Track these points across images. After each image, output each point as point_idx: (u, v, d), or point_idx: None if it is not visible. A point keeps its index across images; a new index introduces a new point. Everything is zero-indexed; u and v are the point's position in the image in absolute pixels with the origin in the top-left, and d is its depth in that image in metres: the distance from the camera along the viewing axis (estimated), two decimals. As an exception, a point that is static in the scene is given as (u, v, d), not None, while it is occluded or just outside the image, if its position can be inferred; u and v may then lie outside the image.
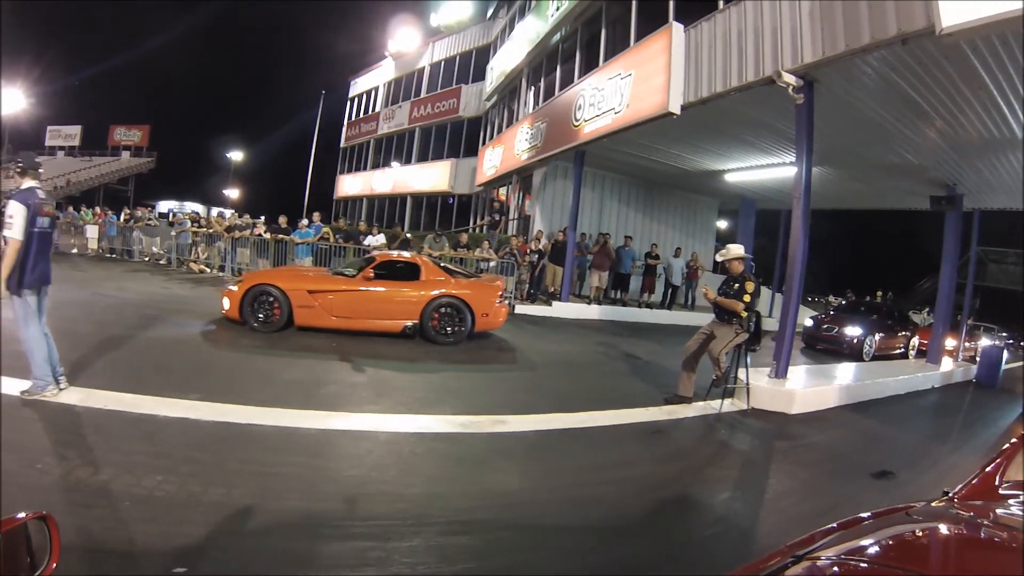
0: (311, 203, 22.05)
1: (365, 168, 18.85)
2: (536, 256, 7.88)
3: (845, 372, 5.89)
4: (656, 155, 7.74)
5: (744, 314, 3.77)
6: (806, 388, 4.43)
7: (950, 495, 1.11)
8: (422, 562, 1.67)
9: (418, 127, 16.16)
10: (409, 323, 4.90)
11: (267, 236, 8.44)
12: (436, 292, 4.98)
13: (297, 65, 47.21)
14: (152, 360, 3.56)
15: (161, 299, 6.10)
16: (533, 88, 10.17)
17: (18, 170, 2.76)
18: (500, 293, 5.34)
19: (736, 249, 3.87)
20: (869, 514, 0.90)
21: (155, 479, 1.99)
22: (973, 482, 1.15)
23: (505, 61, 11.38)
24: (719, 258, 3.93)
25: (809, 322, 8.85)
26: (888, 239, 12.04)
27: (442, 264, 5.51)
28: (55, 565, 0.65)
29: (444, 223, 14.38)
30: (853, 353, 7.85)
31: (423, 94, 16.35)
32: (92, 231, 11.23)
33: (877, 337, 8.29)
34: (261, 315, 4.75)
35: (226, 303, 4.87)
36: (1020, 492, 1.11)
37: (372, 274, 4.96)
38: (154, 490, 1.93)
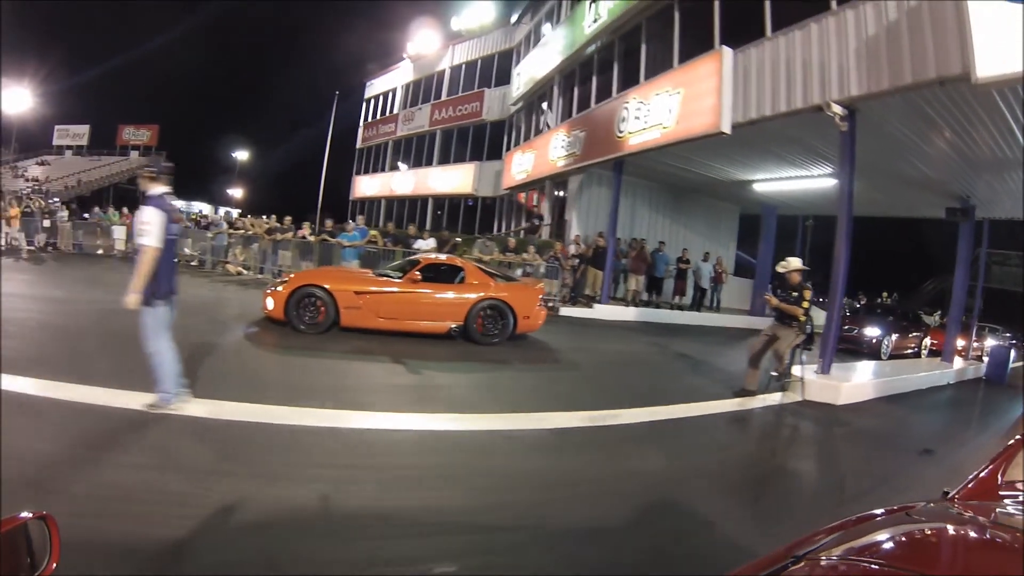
0: (325, 203, 22.44)
1: (383, 169, 19.32)
2: (577, 260, 8.51)
3: (875, 369, 6.62)
4: (692, 165, 8.42)
5: (803, 318, 4.44)
6: (848, 383, 5.12)
7: (950, 495, 1.12)
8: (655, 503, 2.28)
9: (439, 129, 16.69)
10: (454, 324, 5.09)
11: (312, 239, 8.93)
12: (480, 295, 5.18)
13: (305, 66, 47.36)
14: (248, 367, 3.73)
15: (214, 302, 6.56)
16: (565, 96, 10.80)
17: (150, 175, 2.70)
18: (541, 296, 5.59)
19: (795, 262, 4.53)
20: (869, 514, 0.93)
21: (368, 490, 2.08)
22: (973, 482, 1.16)
23: (534, 68, 11.98)
24: (780, 269, 4.59)
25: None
26: (892, 243, 12.82)
27: (483, 267, 5.77)
28: (55, 565, 0.67)
29: (467, 225, 14.95)
30: (872, 352, 8.59)
31: (444, 97, 16.89)
32: (119, 232, 11.50)
33: (893, 337, 9.05)
34: (307, 316, 4.80)
35: (270, 303, 4.90)
36: (1020, 492, 1.13)
37: (419, 276, 5.10)
38: (389, 503, 1.99)
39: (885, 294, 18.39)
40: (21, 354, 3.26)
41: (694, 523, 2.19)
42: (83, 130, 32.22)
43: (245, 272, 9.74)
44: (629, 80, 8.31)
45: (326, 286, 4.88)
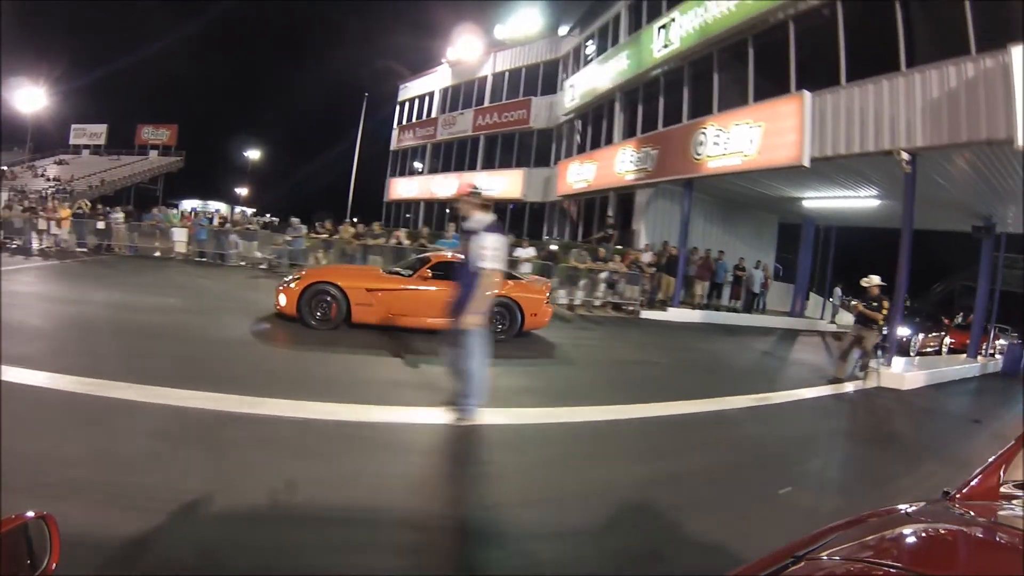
0: (355, 204, 23.47)
1: (422, 172, 20.45)
2: (654, 268, 9.94)
3: (921, 363, 8.22)
4: (756, 185, 9.91)
5: (881, 322, 5.95)
6: (908, 373, 6.66)
7: (950, 495, 1.17)
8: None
9: (483, 135, 17.95)
10: None
11: (407, 243, 10.10)
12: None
13: (327, 68, 47.87)
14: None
15: None
16: (626, 112, 12.20)
17: (478, 203, 3.01)
18: (547, 294, 6.02)
19: (876, 279, 6.03)
20: (869, 514, 0.97)
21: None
22: (973, 482, 1.21)
23: (591, 82, 13.34)
24: (864, 284, 6.09)
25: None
26: (880, 244, 14.40)
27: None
28: (55, 565, 0.69)
29: (515, 229, 16.25)
30: (901, 350, 10.24)
31: (486, 103, 18.13)
32: (180, 234, 11.81)
33: (920, 337, 10.75)
34: (319, 313, 5.09)
35: (282, 300, 5.15)
36: (1020, 492, 1.18)
37: (429, 274, 5.36)
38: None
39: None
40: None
41: (867, 455, 3.64)
42: (100, 129, 33.86)
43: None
44: (700, 105, 9.75)
45: (339, 283, 5.15)
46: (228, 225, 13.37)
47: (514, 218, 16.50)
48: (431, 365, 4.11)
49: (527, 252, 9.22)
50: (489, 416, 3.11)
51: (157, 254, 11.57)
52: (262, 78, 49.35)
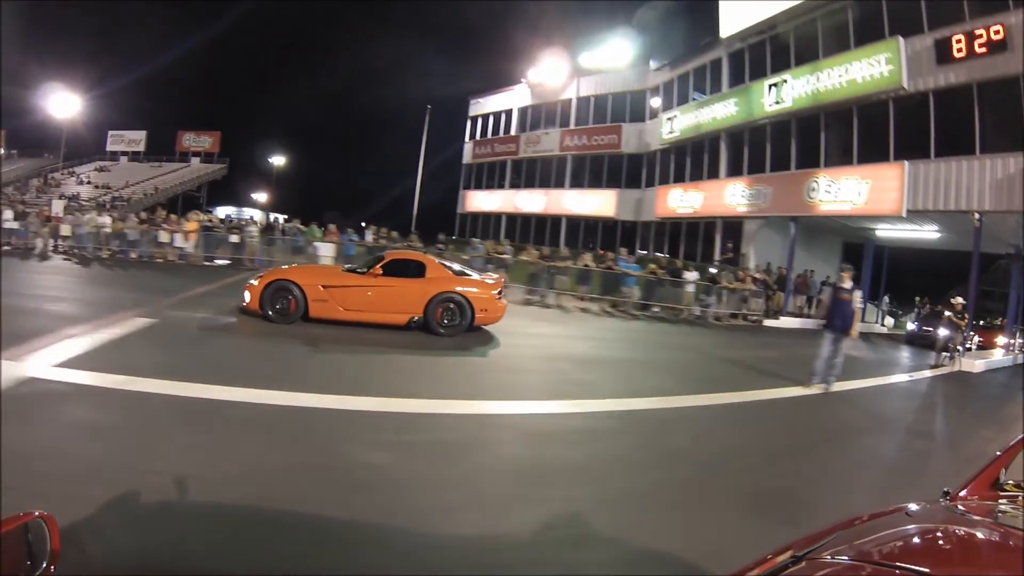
0: (419, 216, 26.36)
1: (502, 186, 23.59)
2: (763, 285, 13.56)
3: (977, 357, 12.09)
4: (848, 220, 13.62)
5: (963, 327, 9.71)
6: (975, 361, 10.44)
7: (950, 494, 1.26)
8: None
9: (570, 155, 21.28)
10: (414, 316, 6.19)
11: (593, 266, 13.03)
12: (439, 289, 6.26)
13: (392, 80, 49.67)
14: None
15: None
16: (731, 151, 15.76)
17: (850, 273, 6.28)
18: (498, 290, 6.74)
19: (960, 299, 9.76)
20: (869, 514, 1.06)
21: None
22: (973, 482, 1.31)
23: (694, 120, 16.81)
24: (953, 302, 9.82)
25: (911, 326, 15.12)
26: (921, 262, 18.18)
27: (448, 263, 7.15)
28: (55, 565, 0.75)
29: (607, 245, 19.63)
30: (939, 349, 14.11)
31: (572, 125, 21.42)
32: (326, 249, 12.98)
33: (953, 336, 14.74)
34: (278, 306, 5.92)
35: (247, 296, 6.09)
36: (1020, 492, 1.28)
37: (380, 271, 6.23)
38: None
39: (917, 298, 24.70)
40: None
41: (985, 406, 7.31)
42: (139, 136, 35.59)
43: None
44: (807, 156, 13.41)
45: (296, 281, 6.03)
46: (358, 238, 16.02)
47: (607, 234, 19.90)
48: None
49: (692, 275, 12.54)
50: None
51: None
52: (311, 84, 51.31)
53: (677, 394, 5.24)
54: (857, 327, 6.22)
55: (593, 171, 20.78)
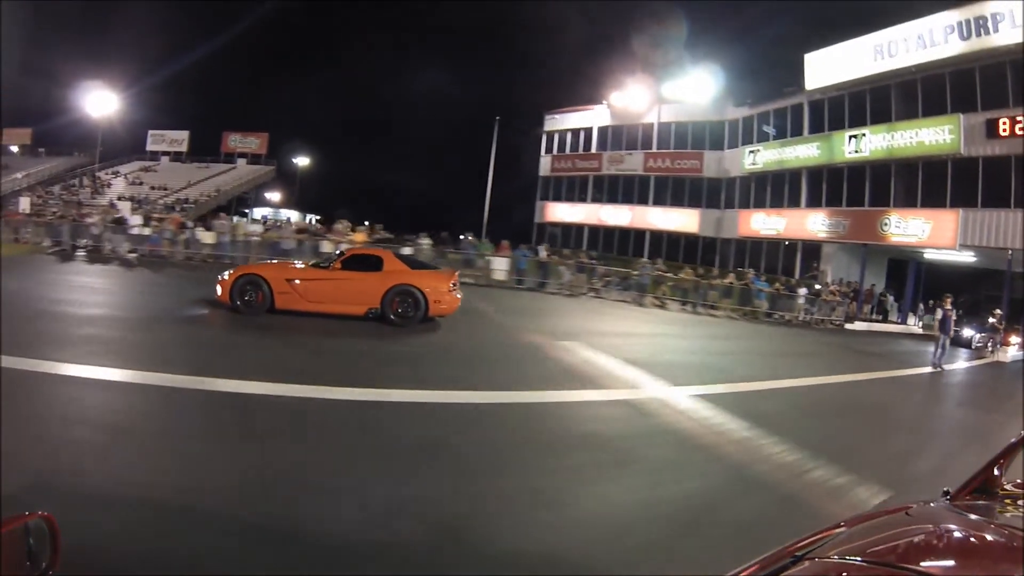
0: (489, 223, 30.24)
1: (583, 200, 27.80)
2: (845, 297, 18.37)
3: (1007, 352, 17.19)
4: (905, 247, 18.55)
5: (1001, 331, 14.64)
6: (1004, 355, 15.35)
7: (950, 494, 1.35)
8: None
9: (653, 176, 25.69)
10: (371, 307, 7.05)
11: (736, 283, 17.39)
12: (395, 282, 7.13)
13: (459, 87, 51.53)
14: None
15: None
16: (811, 185, 20.47)
17: (950, 299, 12.09)
18: (453, 283, 7.70)
19: (999, 311, 14.67)
20: (869, 513, 1.16)
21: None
22: (973, 482, 1.40)
23: (777, 155, 21.53)
24: (995, 312, 14.72)
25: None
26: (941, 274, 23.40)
27: (408, 258, 8.25)
28: (55, 566, 0.81)
29: (687, 259, 24.09)
30: (966, 345, 19.22)
31: (654, 148, 25.80)
32: (500, 263, 16.53)
33: (978, 335, 19.97)
34: (247, 298, 6.81)
35: (219, 290, 7.04)
36: (1020, 492, 1.37)
37: (340, 265, 7.21)
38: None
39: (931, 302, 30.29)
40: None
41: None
42: (182, 136, 37.73)
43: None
44: (878, 195, 18.24)
45: (262, 275, 6.95)
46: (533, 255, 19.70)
47: (689, 248, 24.40)
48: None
49: (803, 291, 17.11)
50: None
51: (470, 280, 18.02)
52: (371, 88, 53.75)
53: (837, 374, 9.42)
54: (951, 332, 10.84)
55: (675, 191, 25.27)
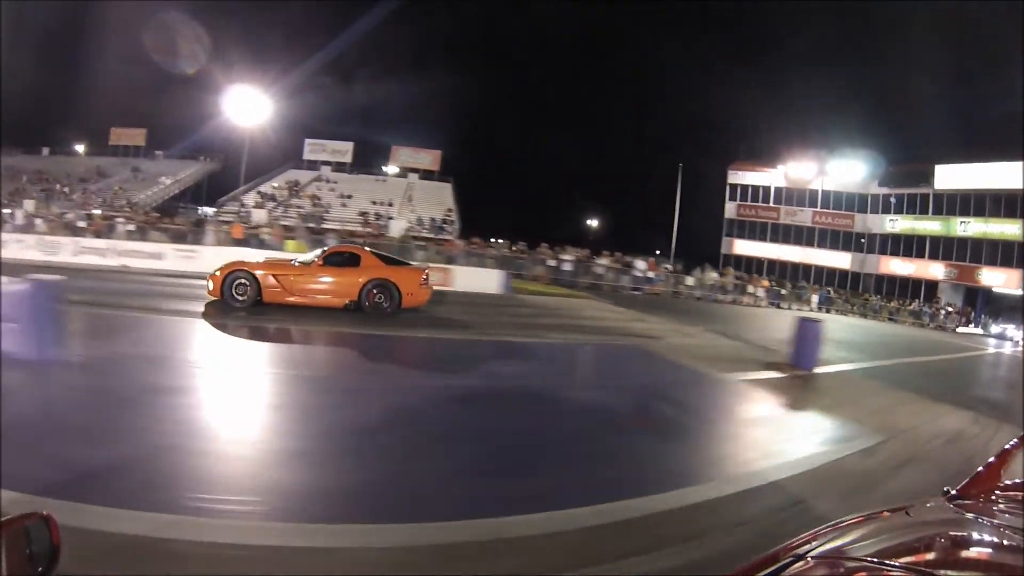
0: (677, 249, 48.60)
1: (763, 239, 46.22)
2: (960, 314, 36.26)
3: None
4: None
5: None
6: None
7: (950, 494, 1.51)
8: None
9: (818, 227, 43.83)
10: (349, 300, 9.17)
11: (898, 305, 35.60)
12: (371, 276, 9.28)
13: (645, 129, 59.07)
14: None
15: None
16: (932, 245, 38.32)
17: None
18: (424, 277, 9.88)
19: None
20: (869, 513, 1.26)
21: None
22: (973, 482, 1.57)
23: (910, 225, 39.42)
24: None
25: (995, 329, 37.46)
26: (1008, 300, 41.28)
27: (384, 255, 10.20)
28: (55, 566, 0.91)
29: (840, 286, 41.92)
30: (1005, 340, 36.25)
31: (819, 207, 43.94)
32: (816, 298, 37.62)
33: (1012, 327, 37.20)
34: (237, 294, 8.70)
35: (210, 285, 8.96)
36: (1020, 492, 1.53)
37: (321, 262, 9.34)
38: None
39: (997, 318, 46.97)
40: None
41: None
42: (345, 147, 43.51)
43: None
44: (975, 254, 36.06)
45: (251, 271, 8.92)
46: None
47: (841, 278, 42.34)
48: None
49: (944, 311, 35.05)
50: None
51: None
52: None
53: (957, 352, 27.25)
54: None
55: (832, 238, 43.27)
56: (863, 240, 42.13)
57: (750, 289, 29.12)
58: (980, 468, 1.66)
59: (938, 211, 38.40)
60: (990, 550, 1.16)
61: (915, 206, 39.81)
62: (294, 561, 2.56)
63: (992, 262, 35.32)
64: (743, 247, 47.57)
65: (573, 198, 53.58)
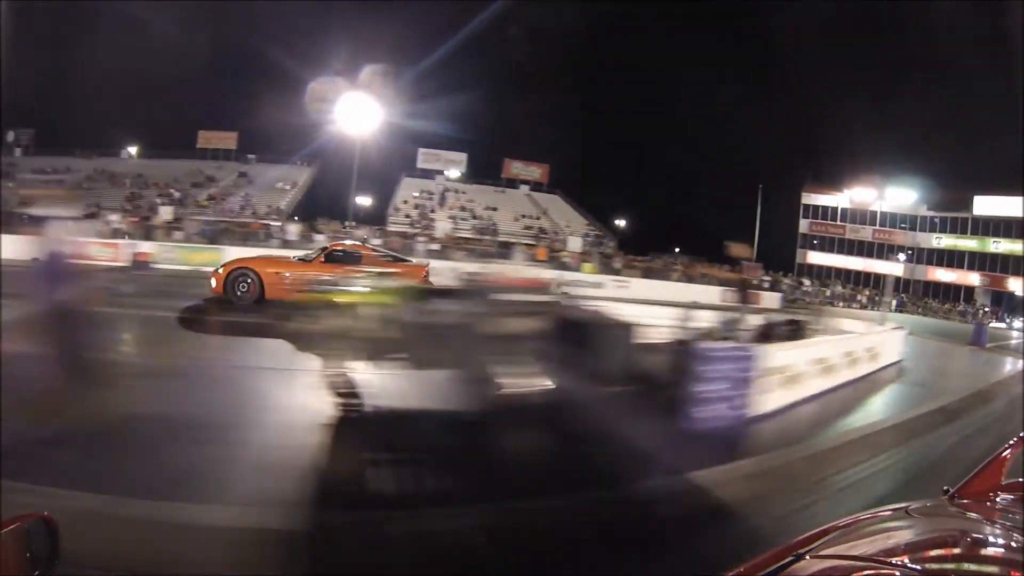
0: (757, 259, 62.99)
1: (831, 251, 61.06)
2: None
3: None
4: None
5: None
6: None
7: (950, 493, 1.60)
8: None
9: (876, 242, 58.93)
10: None
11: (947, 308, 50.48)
12: (371, 271, 9.71)
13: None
14: None
15: None
16: (968, 259, 53.73)
17: None
18: (425, 274, 10.64)
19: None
20: (869, 513, 1.34)
21: None
22: (973, 481, 1.67)
23: (952, 241, 54.85)
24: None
25: (1018, 325, 53.07)
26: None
27: (384, 252, 11.58)
28: (55, 566, 0.98)
29: (895, 290, 56.90)
30: None
31: (877, 225, 59.00)
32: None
33: None
34: (240, 291, 9.35)
35: (213, 283, 9.73)
36: (1020, 492, 1.62)
37: (323, 259, 10.05)
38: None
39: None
40: None
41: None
42: (460, 157, 50.18)
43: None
44: (1004, 267, 51.56)
45: (254, 268, 9.67)
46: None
47: (895, 286, 57.50)
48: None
49: (984, 310, 50.14)
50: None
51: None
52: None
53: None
54: None
55: (889, 250, 58.30)
56: (913, 253, 57.25)
57: (858, 297, 43.50)
58: (980, 467, 1.79)
59: (975, 232, 53.60)
60: (990, 549, 1.26)
61: (956, 227, 55.02)
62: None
63: (1017, 273, 50.71)
64: (815, 257, 62.35)
65: (668, 214, 65.29)
